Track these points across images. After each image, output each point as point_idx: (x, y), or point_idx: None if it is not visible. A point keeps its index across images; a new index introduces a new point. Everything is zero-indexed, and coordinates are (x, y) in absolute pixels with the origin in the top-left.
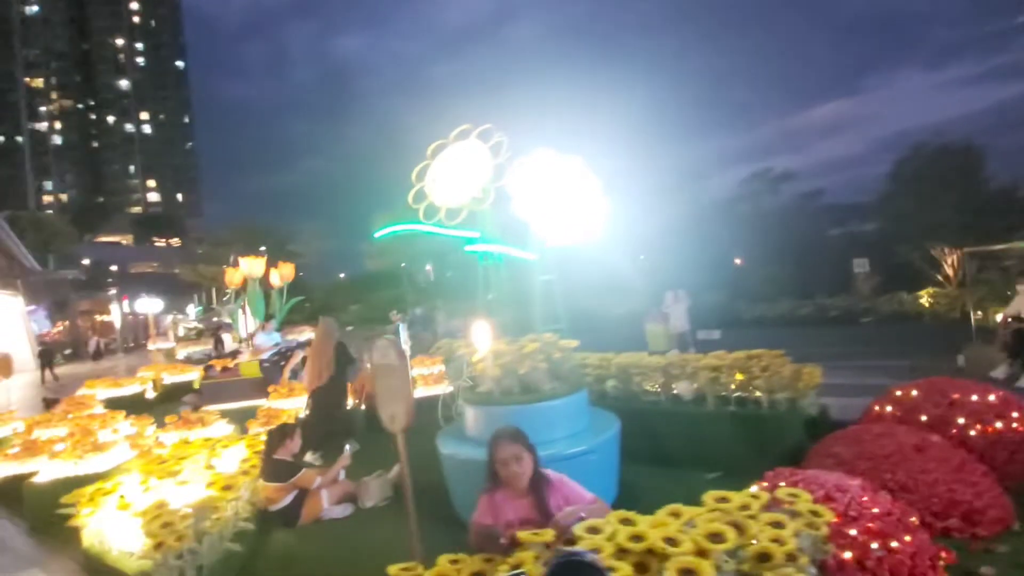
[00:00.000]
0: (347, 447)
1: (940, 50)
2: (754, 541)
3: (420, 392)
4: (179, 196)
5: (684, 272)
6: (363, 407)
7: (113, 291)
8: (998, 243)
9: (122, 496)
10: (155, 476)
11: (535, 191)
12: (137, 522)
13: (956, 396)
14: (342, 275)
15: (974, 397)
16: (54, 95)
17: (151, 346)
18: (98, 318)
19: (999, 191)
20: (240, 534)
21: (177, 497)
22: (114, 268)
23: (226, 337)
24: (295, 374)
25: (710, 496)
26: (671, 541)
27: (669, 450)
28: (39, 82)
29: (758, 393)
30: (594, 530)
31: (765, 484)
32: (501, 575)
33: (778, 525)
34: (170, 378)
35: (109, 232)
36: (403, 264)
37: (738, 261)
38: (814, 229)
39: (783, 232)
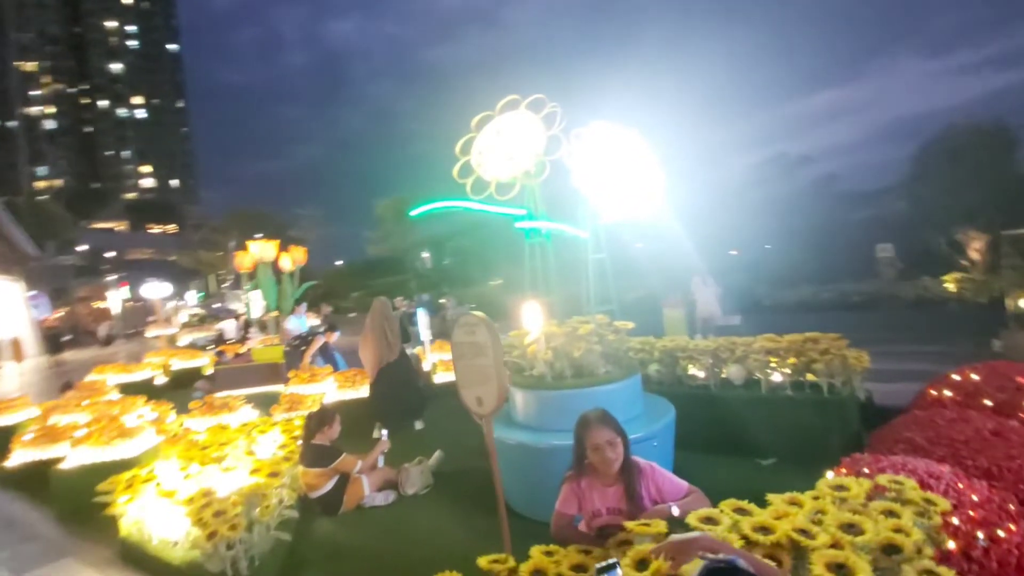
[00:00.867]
0: (383, 432)
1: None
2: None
3: (440, 377)
4: (174, 182)
5: (702, 257)
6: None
7: (113, 277)
8: None
9: (159, 484)
10: (196, 462)
11: (594, 164)
12: (180, 510)
13: (1021, 380)
14: (339, 262)
15: None
16: (46, 79)
17: (150, 333)
18: (96, 304)
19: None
20: (286, 522)
21: (220, 484)
22: (111, 255)
23: (227, 324)
24: (318, 359)
25: (824, 484)
26: (805, 533)
27: (719, 436)
28: (32, 66)
29: (811, 377)
30: (711, 520)
31: (844, 471)
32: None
33: (891, 515)
34: (179, 364)
35: (104, 218)
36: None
37: (768, 246)
38: (834, 213)
39: (802, 217)
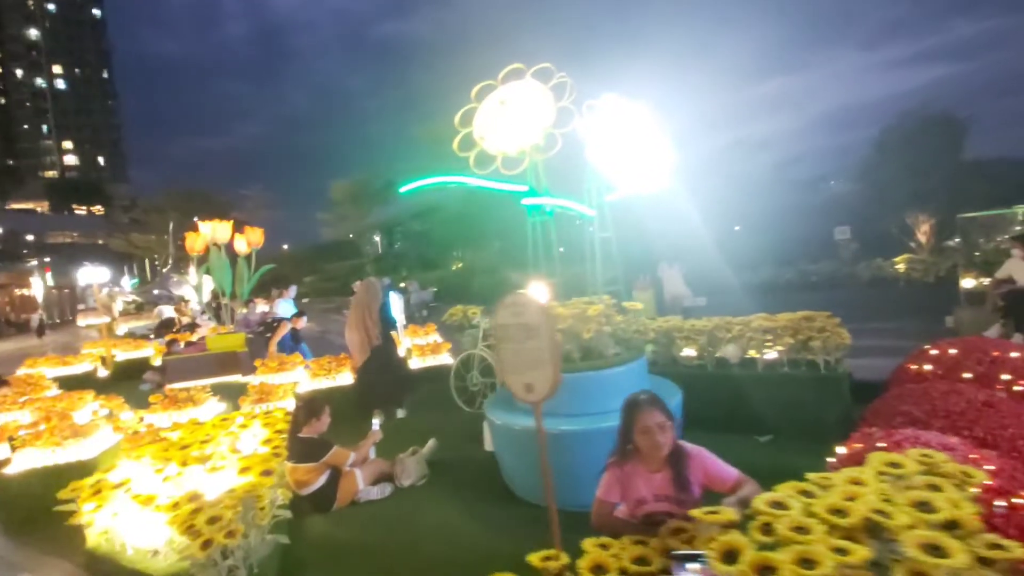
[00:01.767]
0: (375, 421)
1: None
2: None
3: (416, 363)
4: (100, 159)
5: (670, 239)
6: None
7: (34, 262)
8: (973, 211)
9: (130, 489)
10: (175, 463)
11: (609, 137)
12: (161, 517)
13: (996, 354)
14: (285, 246)
15: (1013, 354)
16: None
17: (82, 321)
18: (17, 292)
19: (972, 162)
20: (280, 523)
21: (206, 487)
22: (30, 238)
23: (165, 308)
24: (286, 346)
25: (877, 460)
26: (882, 514)
27: (716, 415)
28: None
29: (807, 355)
30: (780, 505)
31: (858, 445)
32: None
33: (935, 488)
34: (123, 355)
35: (22, 199)
36: (351, 235)
37: (737, 228)
38: (792, 197)
39: (763, 199)
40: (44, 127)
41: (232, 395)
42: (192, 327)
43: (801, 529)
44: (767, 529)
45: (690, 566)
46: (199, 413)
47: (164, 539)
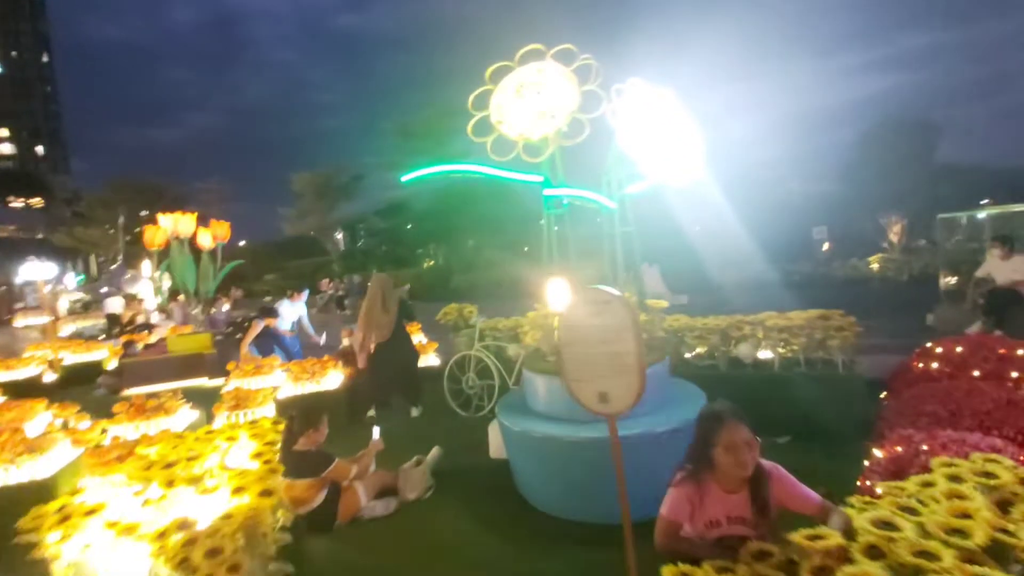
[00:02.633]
0: (375, 429)
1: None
2: None
3: None
4: (39, 149)
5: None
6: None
7: None
8: (943, 212)
9: (101, 515)
10: (158, 483)
11: (642, 124)
12: (144, 547)
13: (1003, 351)
14: (243, 242)
15: (1020, 352)
16: None
17: (20, 322)
18: None
19: (942, 166)
20: (282, 549)
21: (196, 511)
22: None
23: (113, 302)
24: (254, 348)
25: (969, 469)
26: (1005, 532)
27: None
28: None
29: (821, 353)
30: (889, 525)
31: (898, 448)
32: None
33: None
34: (72, 357)
35: None
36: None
37: (697, 227)
38: (774, 197)
39: (746, 200)
40: None
41: (201, 402)
42: (148, 327)
43: (926, 554)
44: (875, 553)
45: None
46: (171, 423)
47: (147, 572)
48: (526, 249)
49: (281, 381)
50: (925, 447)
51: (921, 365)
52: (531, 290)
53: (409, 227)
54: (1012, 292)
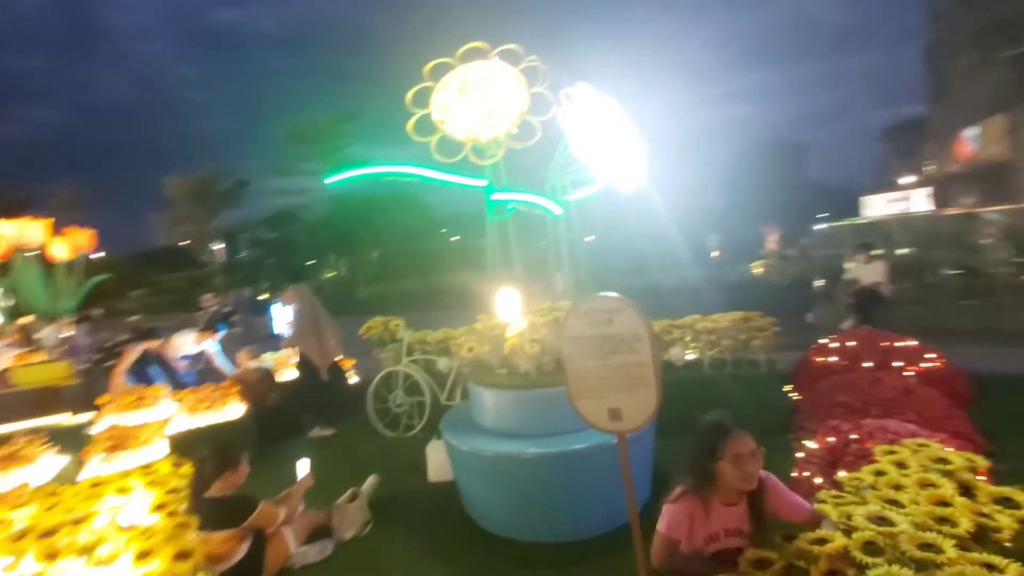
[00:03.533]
0: (301, 463)
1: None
2: None
3: None
4: None
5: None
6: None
7: None
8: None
9: None
10: (36, 556)
11: (592, 128)
12: None
13: (885, 344)
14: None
15: (898, 344)
16: None
17: None
18: None
19: (811, 182)
20: None
21: None
22: None
23: None
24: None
25: (927, 457)
26: (985, 516)
27: (667, 418)
28: None
29: (745, 354)
30: (885, 520)
31: (831, 439)
32: None
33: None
34: None
35: None
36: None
37: (592, 237)
38: (665, 209)
39: (640, 210)
40: None
41: (66, 444)
42: None
43: (929, 546)
44: (873, 549)
45: None
46: (31, 474)
47: None
48: (443, 258)
49: (170, 413)
50: (854, 435)
51: (820, 359)
52: (456, 301)
53: (299, 237)
54: (874, 292)
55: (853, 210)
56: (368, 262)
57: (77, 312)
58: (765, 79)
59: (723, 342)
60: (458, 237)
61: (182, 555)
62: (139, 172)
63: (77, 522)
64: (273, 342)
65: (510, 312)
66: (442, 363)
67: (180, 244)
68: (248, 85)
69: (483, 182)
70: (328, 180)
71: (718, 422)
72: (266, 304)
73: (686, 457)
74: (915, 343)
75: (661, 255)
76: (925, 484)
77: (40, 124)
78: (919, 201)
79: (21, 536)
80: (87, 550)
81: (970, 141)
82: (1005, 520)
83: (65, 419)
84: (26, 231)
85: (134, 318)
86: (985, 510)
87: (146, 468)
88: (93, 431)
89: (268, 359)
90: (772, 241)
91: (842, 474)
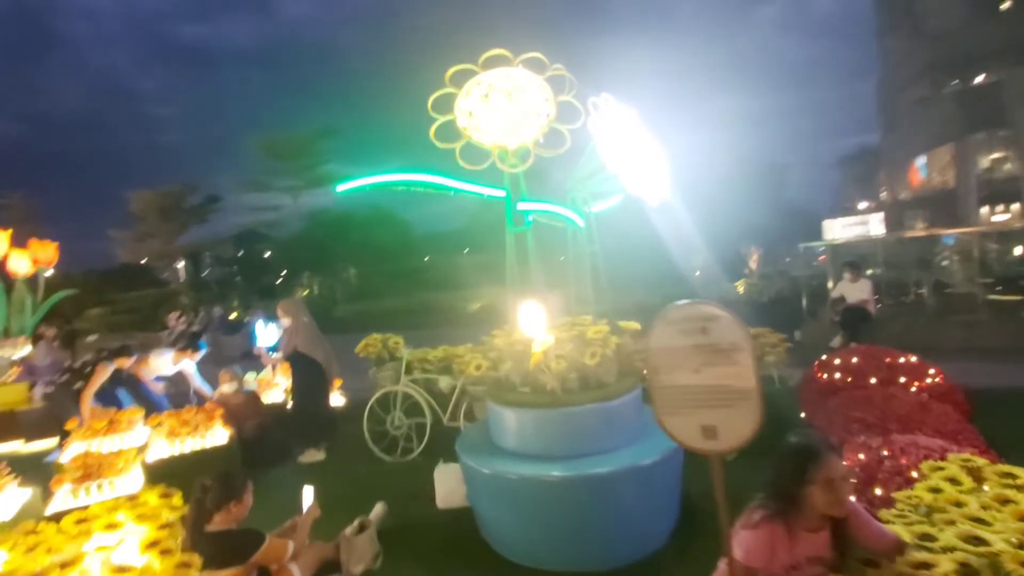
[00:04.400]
0: (306, 490)
1: None
2: None
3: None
4: None
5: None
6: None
7: None
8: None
9: None
10: None
11: (620, 138)
12: None
13: (888, 360)
14: (49, 272)
15: (901, 360)
16: None
17: None
18: None
19: (788, 203)
20: None
21: None
22: None
23: None
24: (109, 396)
25: (994, 473)
26: None
27: None
28: None
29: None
30: (980, 540)
31: (861, 456)
32: None
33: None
34: None
35: None
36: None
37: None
38: (650, 228)
39: (627, 230)
40: None
41: (26, 474)
42: None
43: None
44: (968, 571)
45: None
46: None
47: None
48: (431, 275)
49: (146, 439)
50: (885, 452)
51: (824, 376)
52: (442, 319)
53: (268, 255)
54: (861, 309)
55: (815, 233)
56: (345, 280)
57: (34, 330)
58: (731, 106)
59: None
60: (437, 256)
61: None
62: (101, 185)
63: (65, 566)
64: (252, 362)
65: (534, 326)
66: (444, 382)
67: (143, 261)
68: (218, 99)
69: (501, 192)
70: (339, 188)
71: (809, 445)
72: (237, 324)
73: (766, 480)
74: (915, 359)
75: (647, 272)
76: (1004, 500)
77: None
78: (876, 225)
79: None
80: None
81: (919, 169)
82: None
83: (21, 447)
84: None
85: (91, 338)
86: None
87: (132, 500)
88: (62, 459)
89: (251, 380)
90: (753, 261)
91: (894, 493)
